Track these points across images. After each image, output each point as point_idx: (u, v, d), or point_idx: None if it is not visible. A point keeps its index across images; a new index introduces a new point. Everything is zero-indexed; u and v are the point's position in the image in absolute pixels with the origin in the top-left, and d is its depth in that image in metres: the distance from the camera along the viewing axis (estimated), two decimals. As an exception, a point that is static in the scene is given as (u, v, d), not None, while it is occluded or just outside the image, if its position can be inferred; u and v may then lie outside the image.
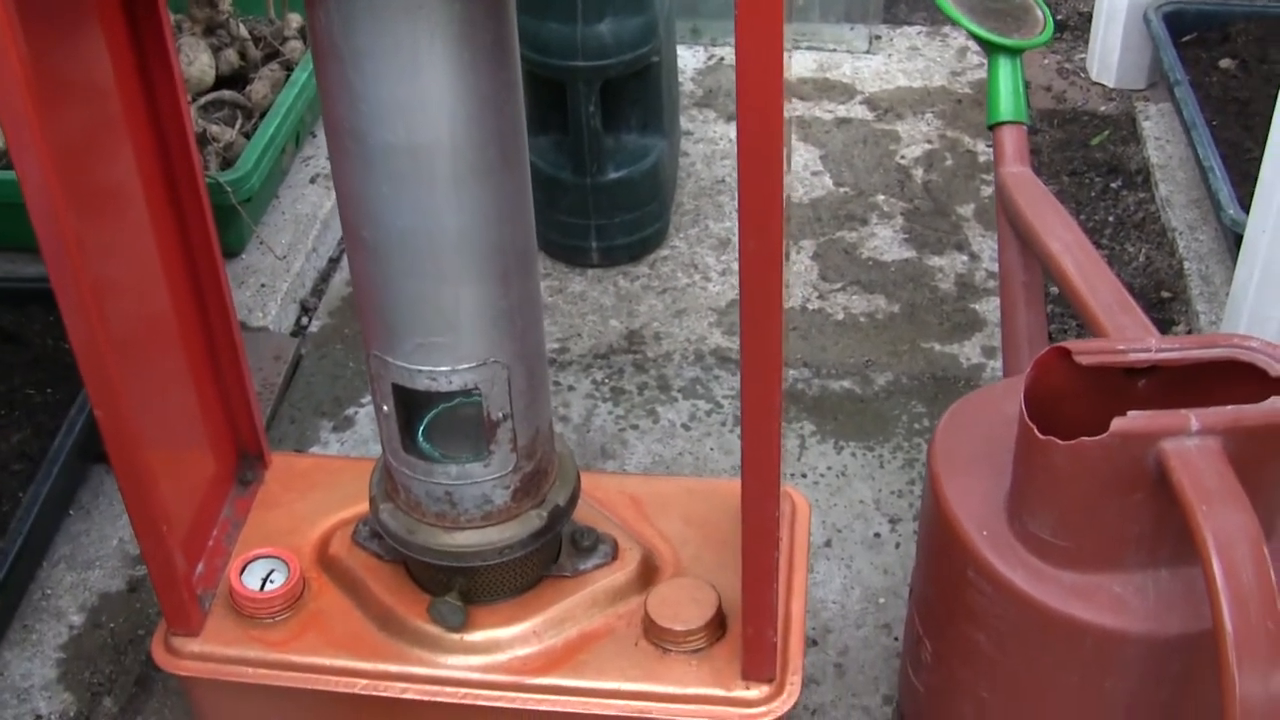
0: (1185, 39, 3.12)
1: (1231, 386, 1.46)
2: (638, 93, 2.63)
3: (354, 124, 1.27)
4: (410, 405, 1.48)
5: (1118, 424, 1.37)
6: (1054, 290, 2.42)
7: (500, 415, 1.46)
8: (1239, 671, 1.28)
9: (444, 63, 1.23)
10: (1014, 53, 2.04)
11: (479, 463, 1.50)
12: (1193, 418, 1.37)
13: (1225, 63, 3.06)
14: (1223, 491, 1.34)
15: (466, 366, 1.41)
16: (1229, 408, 1.39)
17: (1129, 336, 1.58)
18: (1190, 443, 1.37)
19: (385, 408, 1.49)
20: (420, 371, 1.42)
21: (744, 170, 1.16)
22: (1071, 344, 1.48)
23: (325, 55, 1.25)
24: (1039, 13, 2.12)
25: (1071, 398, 1.50)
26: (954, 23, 2.07)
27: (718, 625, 1.61)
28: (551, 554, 1.66)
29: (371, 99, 1.25)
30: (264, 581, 1.67)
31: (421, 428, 1.52)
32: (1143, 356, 1.48)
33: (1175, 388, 1.50)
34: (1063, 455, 1.40)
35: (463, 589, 1.60)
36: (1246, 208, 2.31)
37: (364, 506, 1.69)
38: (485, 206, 1.32)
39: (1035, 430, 1.41)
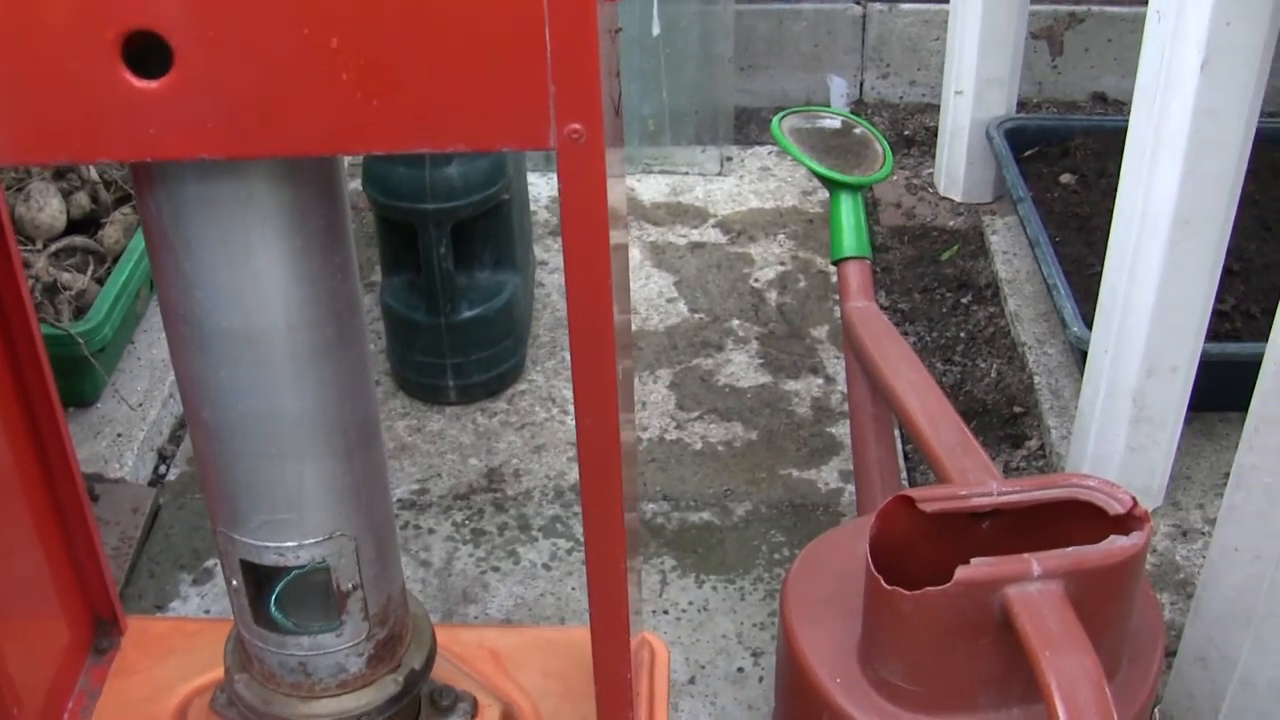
0: (1027, 154, 3.19)
1: (1074, 522, 1.49)
2: (489, 230, 2.64)
3: (188, 310, 1.27)
4: (259, 579, 1.47)
5: (961, 573, 1.39)
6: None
7: (350, 586, 1.45)
8: (1088, 816, 1.30)
9: (276, 250, 1.23)
10: (855, 189, 2.08)
11: (331, 633, 1.49)
12: (1034, 563, 1.40)
13: (1066, 178, 3.12)
14: (1065, 635, 1.37)
15: (313, 541, 1.41)
16: (1069, 550, 1.42)
17: (971, 480, 1.61)
18: (1033, 588, 1.40)
19: (234, 581, 1.48)
20: (267, 548, 1.41)
21: (574, 323, 1.17)
22: (914, 492, 1.50)
23: (157, 244, 1.25)
24: (879, 147, 2.17)
25: (920, 541, 1.53)
26: (796, 160, 2.11)
27: (578, 782, 1.61)
28: (411, 715, 1.65)
29: (206, 286, 1.25)
30: (120, 756, 1.65)
31: (272, 599, 1.50)
32: (985, 501, 1.51)
33: (1019, 526, 1.53)
34: (909, 604, 1.42)
35: (322, 756, 1.59)
36: (1089, 324, 2.36)
37: (221, 672, 1.67)
38: (324, 386, 1.32)
39: (881, 581, 1.43)
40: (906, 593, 1.41)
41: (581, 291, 1.14)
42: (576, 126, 1.06)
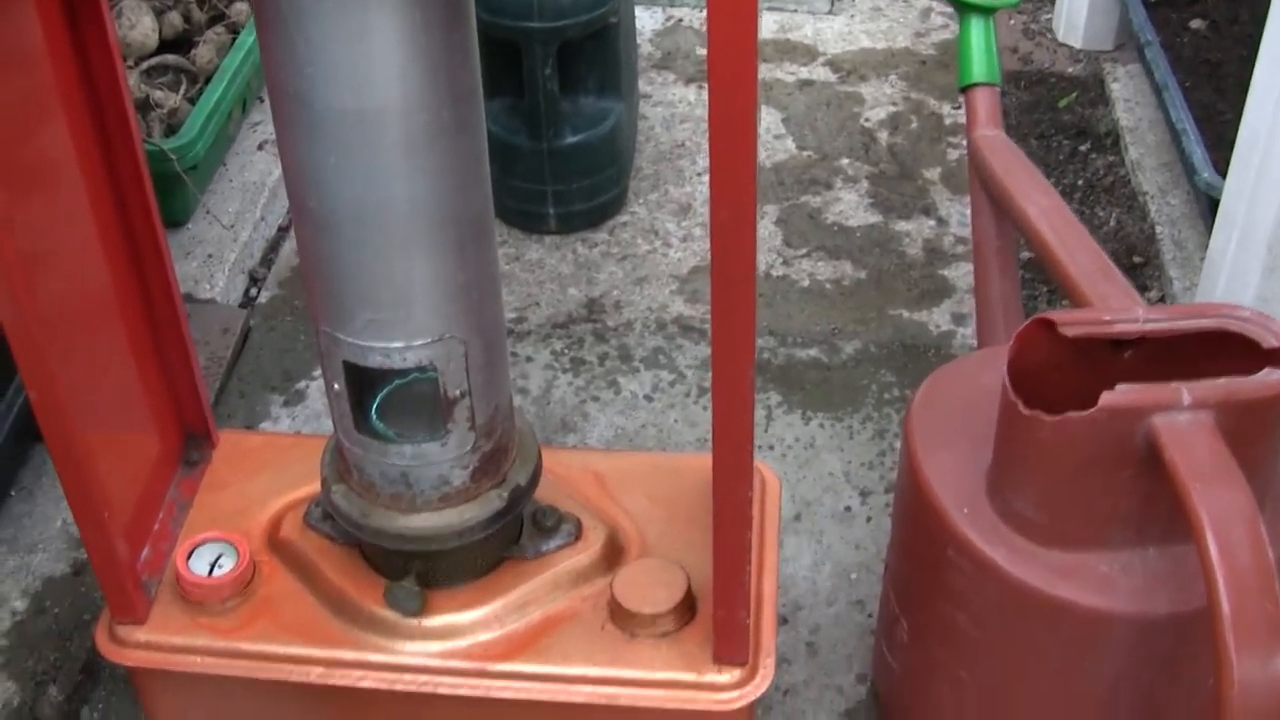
0: (1154, -1, 3.06)
1: (1219, 358, 1.40)
2: (595, 55, 2.56)
3: (299, 88, 1.20)
4: (362, 383, 1.41)
5: (1107, 398, 1.31)
6: (1024, 255, 2.36)
7: (457, 393, 1.39)
8: (1237, 655, 1.23)
9: (394, 23, 1.15)
10: (986, 13, 1.98)
11: (436, 442, 1.43)
12: (1185, 391, 1.32)
13: (1196, 23, 2.99)
14: (1217, 469, 1.29)
15: (421, 343, 1.34)
16: (1222, 380, 1.33)
17: (1113, 306, 1.52)
18: (1182, 418, 1.31)
19: (336, 385, 1.42)
20: (372, 348, 1.35)
21: (715, 139, 1.09)
22: (1056, 315, 1.42)
23: (270, 18, 1.18)
24: (1010, -30, 2.06)
25: (1054, 370, 1.44)
26: (923, -20, 2.01)
27: (687, 608, 1.55)
28: (512, 535, 1.59)
29: (319, 62, 1.18)
30: (212, 566, 1.61)
31: (375, 406, 1.44)
32: (1130, 328, 1.42)
33: (1161, 360, 1.44)
34: (1048, 430, 1.34)
35: (420, 573, 1.53)
36: (1220, 171, 2.26)
37: (316, 487, 1.62)
38: (438, 174, 1.25)
39: (1020, 405, 1.35)
40: (1047, 417, 1.33)
41: (725, 69, 1.05)
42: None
